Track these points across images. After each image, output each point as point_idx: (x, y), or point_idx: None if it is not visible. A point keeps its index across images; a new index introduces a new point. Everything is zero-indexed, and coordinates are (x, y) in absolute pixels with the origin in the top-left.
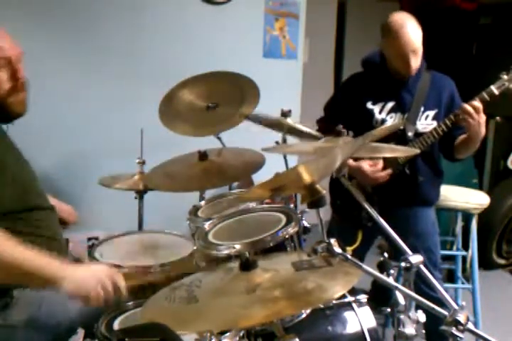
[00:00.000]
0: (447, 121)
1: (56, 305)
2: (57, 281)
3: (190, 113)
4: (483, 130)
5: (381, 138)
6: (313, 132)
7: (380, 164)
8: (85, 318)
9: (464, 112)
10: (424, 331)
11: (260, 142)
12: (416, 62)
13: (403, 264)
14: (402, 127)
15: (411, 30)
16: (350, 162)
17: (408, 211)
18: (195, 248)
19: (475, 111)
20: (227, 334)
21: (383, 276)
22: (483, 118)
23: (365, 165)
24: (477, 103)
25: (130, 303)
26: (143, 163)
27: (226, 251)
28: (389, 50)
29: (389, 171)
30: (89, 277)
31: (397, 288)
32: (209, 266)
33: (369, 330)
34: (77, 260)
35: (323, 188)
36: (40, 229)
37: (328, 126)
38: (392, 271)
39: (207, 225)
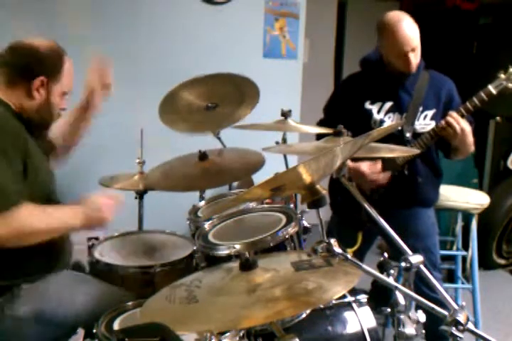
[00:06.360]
0: (432, 133)
1: (63, 300)
2: (76, 227)
3: (190, 113)
4: (469, 139)
5: (380, 138)
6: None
7: (379, 165)
8: (89, 315)
9: (441, 128)
10: (424, 331)
11: (260, 142)
12: (416, 59)
13: (403, 264)
14: (400, 127)
15: (408, 28)
16: (349, 163)
17: (408, 212)
18: (195, 248)
19: (453, 123)
20: (227, 334)
21: (383, 276)
22: (465, 128)
23: (364, 166)
24: (455, 115)
25: (130, 303)
26: (143, 163)
27: (226, 251)
28: (387, 50)
29: (388, 173)
30: (95, 210)
31: (397, 288)
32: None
33: (369, 330)
34: (77, 263)
35: (323, 188)
36: None
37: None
38: (392, 271)
39: (207, 225)
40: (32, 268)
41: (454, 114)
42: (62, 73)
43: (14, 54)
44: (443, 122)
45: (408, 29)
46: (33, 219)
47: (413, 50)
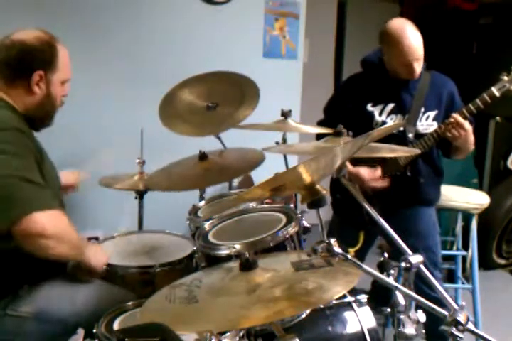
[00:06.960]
0: (435, 133)
1: (64, 300)
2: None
3: (190, 113)
4: (470, 138)
5: (381, 138)
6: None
7: (379, 171)
8: (90, 315)
9: (444, 130)
10: (424, 331)
11: (260, 142)
12: (419, 67)
13: (403, 264)
14: (402, 128)
15: (412, 38)
16: (349, 167)
17: (409, 211)
18: (195, 248)
19: (456, 127)
20: (227, 334)
21: (383, 276)
22: (468, 129)
23: (364, 172)
24: (458, 118)
25: (130, 303)
26: (143, 163)
27: (226, 251)
28: (391, 59)
29: (387, 179)
30: (98, 255)
31: (397, 288)
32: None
33: (369, 330)
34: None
35: (324, 188)
36: None
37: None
38: (392, 271)
39: (207, 225)
40: (36, 271)
41: (457, 117)
42: (58, 62)
43: (2, 53)
44: (446, 124)
45: (413, 39)
46: (71, 228)
47: (418, 59)
